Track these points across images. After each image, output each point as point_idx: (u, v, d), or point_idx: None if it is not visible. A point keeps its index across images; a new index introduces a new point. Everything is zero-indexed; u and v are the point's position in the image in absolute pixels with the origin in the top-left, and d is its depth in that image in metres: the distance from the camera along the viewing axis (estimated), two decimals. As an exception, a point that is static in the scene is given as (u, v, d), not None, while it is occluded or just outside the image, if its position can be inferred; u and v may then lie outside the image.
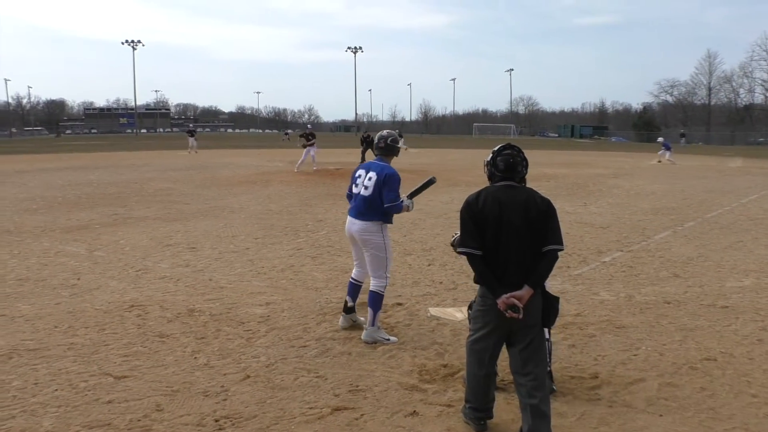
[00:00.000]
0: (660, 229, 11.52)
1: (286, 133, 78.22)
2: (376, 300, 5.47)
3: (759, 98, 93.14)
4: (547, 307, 3.72)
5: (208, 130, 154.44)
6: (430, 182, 5.77)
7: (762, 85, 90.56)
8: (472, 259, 3.72)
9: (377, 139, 5.71)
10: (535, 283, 3.63)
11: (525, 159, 3.88)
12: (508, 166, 3.79)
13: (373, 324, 5.45)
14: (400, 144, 5.73)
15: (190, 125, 53.72)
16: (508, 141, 4.30)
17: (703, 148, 59.31)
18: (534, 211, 3.64)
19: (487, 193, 3.74)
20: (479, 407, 3.90)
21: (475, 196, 3.80)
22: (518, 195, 3.71)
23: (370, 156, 6.39)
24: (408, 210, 5.51)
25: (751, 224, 12.15)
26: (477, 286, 3.86)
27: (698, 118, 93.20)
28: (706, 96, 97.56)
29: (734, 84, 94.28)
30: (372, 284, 5.51)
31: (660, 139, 39.36)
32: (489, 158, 3.92)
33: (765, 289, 7.29)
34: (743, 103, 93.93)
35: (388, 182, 5.38)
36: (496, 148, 3.93)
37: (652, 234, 10.95)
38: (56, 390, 4.38)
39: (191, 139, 40.08)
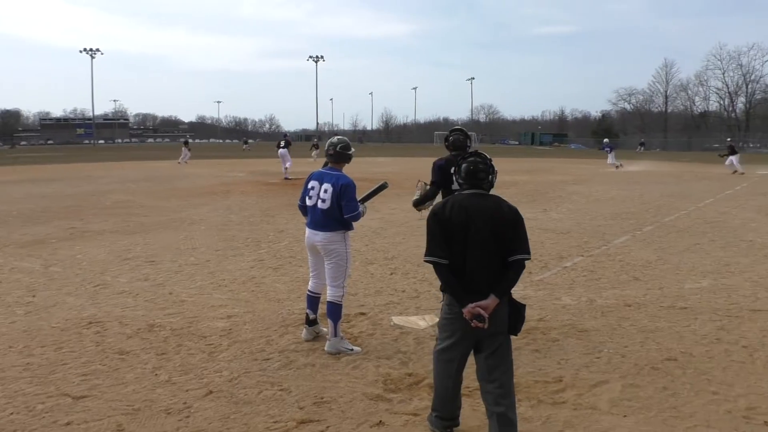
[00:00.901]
0: (619, 233, 11.73)
1: (246, 142, 77.77)
2: (336, 310, 5.42)
3: (714, 106, 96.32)
4: (514, 315, 3.70)
5: (167, 140, 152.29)
6: (382, 187, 5.79)
7: (716, 93, 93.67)
8: (438, 268, 3.69)
9: (327, 146, 5.59)
10: (502, 293, 3.63)
11: (491, 167, 3.83)
12: (468, 172, 3.76)
13: (335, 335, 5.40)
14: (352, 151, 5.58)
15: (187, 135, 53.89)
16: (475, 149, 4.31)
17: (660, 154, 60.66)
18: (501, 220, 3.63)
19: (454, 202, 3.72)
20: (446, 416, 3.89)
21: (442, 204, 3.78)
22: (485, 203, 3.70)
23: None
24: (362, 215, 5.49)
25: (708, 227, 12.45)
26: (441, 295, 3.85)
27: (655, 126, 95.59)
28: (663, 104, 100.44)
29: (690, 92, 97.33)
30: (329, 294, 5.46)
31: (605, 140, 40.30)
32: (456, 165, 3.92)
33: (722, 290, 7.47)
34: (699, 110, 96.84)
35: (345, 193, 5.32)
36: (463, 155, 3.94)
37: (611, 238, 11.13)
38: (12, 413, 4.22)
39: (185, 149, 40.25)
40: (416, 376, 4.85)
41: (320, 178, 5.47)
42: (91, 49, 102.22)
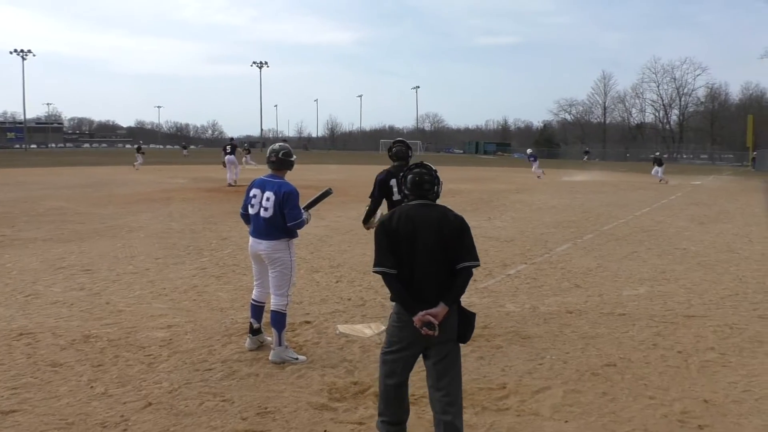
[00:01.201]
0: (561, 241, 11.98)
1: (185, 148, 76.96)
2: (280, 319, 5.34)
3: (650, 117, 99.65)
4: (463, 323, 3.73)
5: (104, 145, 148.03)
6: (326, 193, 5.75)
7: (652, 105, 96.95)
8: (387, 278, 3.69)
9: (269, 153, 5.49)
10: (451, 301, 3.64)
11: (437, 178, 3.85)
12: (414, 183, 3.79)
13: (279, 344, 5.31)
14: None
15: (140, 142, 54.66)
16: (420, 159, 4.34)
17: (599, 164, 62.43)
18: (447, 229, 3.65)
19: (401, 212, 3.75)
20: (392, 420, 3.83)
21: (389, 215, 3.82)
22: (431, 213, 3.72)
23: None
24: (307, 222, 5.43)
25: (645, 236, 12.85)
26: (389, 304, 3.83)
27: (595, 136, 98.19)
28: (601, 115, 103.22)
29: (627, 104, 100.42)
30: (273, 303, 5.38)
31: (529, 150, 41.48)
32: (401, 176, 3.91)
33: (658, 297, 7.70)
34: (635, 122, 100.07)
35: (287, 201, 5.25)
36: (409, 166, 3.92)
37: (553, 246, 11.36)
38: (-68, 429, 4.00)
39: (139, 155, 41.44)
40: (362, 384, 4.82)
41: (262, 186, 5.39)
42: (22, 50, 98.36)
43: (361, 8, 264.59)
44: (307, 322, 6.43)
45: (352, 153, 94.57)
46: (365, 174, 36.22)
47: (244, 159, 40.19)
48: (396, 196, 6.08)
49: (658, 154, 36.52)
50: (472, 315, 3.80)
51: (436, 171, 3.88)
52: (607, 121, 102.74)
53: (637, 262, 10.02)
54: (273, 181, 5.40)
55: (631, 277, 8.88)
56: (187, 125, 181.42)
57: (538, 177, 33.86)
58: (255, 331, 5.63)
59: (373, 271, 3.74)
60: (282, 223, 5.27)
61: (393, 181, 6.07)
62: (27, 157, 67.06)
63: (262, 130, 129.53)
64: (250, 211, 5.41)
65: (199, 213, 15.88)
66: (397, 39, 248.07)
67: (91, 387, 4.74)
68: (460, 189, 24.54)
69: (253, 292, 5.69)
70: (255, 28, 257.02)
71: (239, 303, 7.11)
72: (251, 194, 5.43)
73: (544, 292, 7.87)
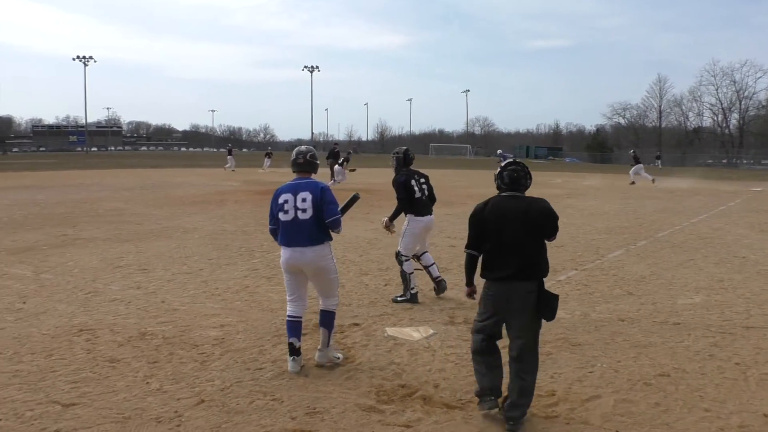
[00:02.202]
0: (613, 247, 11.75)
1: (230, 152, 76.85)
2: (331, 319, 5.30)
3: (707, 122, 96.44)
4: (543, 302, 4.25)
5: (160, 148, 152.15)
6: (354, 199, 5.72)
7: (710, 109, 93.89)
8: (468, 257, 4.48)
9: (295, 155, 5.28)
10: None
11: (528, 173, 4.49)
12: (512, 178, 4.41)
13: (327, 344, 5.31)
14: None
15: (229, 144, 55.40)
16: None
17: (654, 169, 60.93)
18: (533, 216, 4.28)
19: (493, 203, 4.40)
20: (486, 385, 4.31)
21: (482, 204, 4.45)
22: (518, 204, 4.34)
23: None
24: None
25: (701, 243, 12.49)
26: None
27: (649, 141, 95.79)
28: (656, 119, 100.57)
29: (684, 108, 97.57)
30: (324, 304, 5.32)
31: (499, 151, 41.18)
32: (497, 172, 4.51)
33: (715, 306, 7.48)
34: (692, 126, 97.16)
35: (325, 196, 5.07)
36: (503, 164, 4.56)
37: (605, 253, 11.16)
38: (0, 420, 4.18)
39: (229, 157, 42.84)
40: (409, 387, 4.83)
41: (293, 189, 5.13)
42: (84, 57, 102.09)
43: (411, 12, 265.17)
44: (356, 324, 6.49)
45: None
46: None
47: (266, 163, 41.21)
48: (417, 194, 7.24)
49: (632, 152, 35.93)
50: (554, 297, 4.31)
51: (527, 168, 4.53)
52: (663, 126, 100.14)
53: (693, 270, 9.75)
54: (303, 182, 5.19)
55: (686, 285, 8.65)
56: (239, 129, 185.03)
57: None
58: (297, 351, 5.18)
59: (465, 251, 4.50)
60: (322, 224, 5.07)
61: (412, 182, 7.21)
62: (87, 159, 69.46)
63: (312, 133, 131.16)
64: (284, 218, 5.10)
65: (251, 215, 16.17)
66: (447, 42, 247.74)
67: (147, 383, 4.88)
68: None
69: (288, 308, 5.33)
70: (306, 33, 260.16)
71: (289, 304, 7.21)
72: (281, 201, 5.13)
73: (595, 299, 7.75)
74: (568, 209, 18.74)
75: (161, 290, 7.91)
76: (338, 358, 5.37)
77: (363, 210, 15.57)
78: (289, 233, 5.12)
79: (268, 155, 44.61)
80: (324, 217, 5.06)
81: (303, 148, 5.37)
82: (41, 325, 6.33)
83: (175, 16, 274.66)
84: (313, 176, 5.35)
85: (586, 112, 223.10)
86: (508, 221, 4.25)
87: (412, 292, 7.37)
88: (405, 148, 7.66)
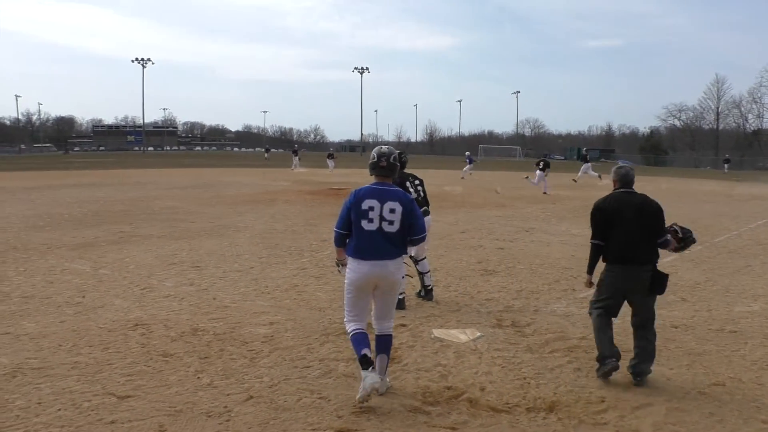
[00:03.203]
0: (667, 252, 11.41)
1: (267, 150, 74.15)
2: (389, 344, 4.80)
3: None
4: (656, 280, 5.05)
5: (214, 148, 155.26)
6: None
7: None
8: (595, 247, 5.18)
9: (377, 157, 4.68)
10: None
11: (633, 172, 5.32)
12: (622, 176, 5.23)
13: (385, 372, 4.78)
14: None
15: (295, 145, 56.84)
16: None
17: (711, 173, 59.18)
18: (647, 211, 5.07)
19: (612, 198, 5.17)
20: (606, 354, 5.01)
21: (602, 200, 5.19)
22: (634, 198, 5.14)
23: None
24: None
25: (760, 249, 12.08)
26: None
27: (706, 143, 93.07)
28: (714, 121, 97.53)
29: (743, 109, 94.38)
30: (384, 327, 4.80)
31: (467, 153, 41.74)
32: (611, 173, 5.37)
33: (773, 314, 7.22)
34: (752, 128, 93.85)
35: (415, 210, 4.62)
36: (614, 168, 5.39)
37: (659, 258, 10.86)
38: (59, 410, 4.35)
39: (295, 158, 44.06)
40: (455, 389, 4.82)
41: (379, 196, 4.56)
42: (142, 59, 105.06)
43: (461, 14, 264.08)
44: (403, 326, 6.50)
45: (451, 158, 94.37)
46: (463, 181, 36.04)
47: (331, 164, 41.67)
48: (413, 195, 6.96)
49: (585, 150, 37.37)
50: (665, 275, 5.09)
51: (633, 168, 5.42)
52: (720, 128, 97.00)
53: (751, 276, 9.43)
54: (391, 189, 4.62)
55: (743, 292, 8.37)
56: (290, 129, 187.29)
57: (462, 178, 35.61)
58: (372, 361, 4.57)
59: (591, 242, 5.19)
60: (405, 238, 4.63)
61: (407, 184, 7.24)
62: (144, 159, 71.40)
63: (362, 134, 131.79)
64: (367, 227, 4.53)
65: (300, 215, 16.36)
66: (497, 43, 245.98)
67: (198, 378, 5.00)
68: (561, 196, 23.95)
69: (351, 326, 4.72)
70: (356, 34, 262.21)
71: (337, 303, 7.28)
72: (364, 207, 4.55)
73: (647, 305, 7.56)
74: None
75: (213, 287, 8.08)
76: (390, 385, 4.86)
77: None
78: (370, 245, 4.55)
79: (331, 155, 45.16)
80: (411, 234, 4.63)
81: (385, 149, 4.77)
82: (99, 319, 6.55)
83: (229, 18, 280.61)
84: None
85: (640, 114, 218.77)
86: (626, 213, 5.01)
87: (399, 297, 6.82)
88: (399, 151, 7.42)
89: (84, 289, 7.89)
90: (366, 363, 4.49)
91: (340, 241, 4.79)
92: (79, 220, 14.62)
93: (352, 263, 4.63)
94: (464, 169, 38.75)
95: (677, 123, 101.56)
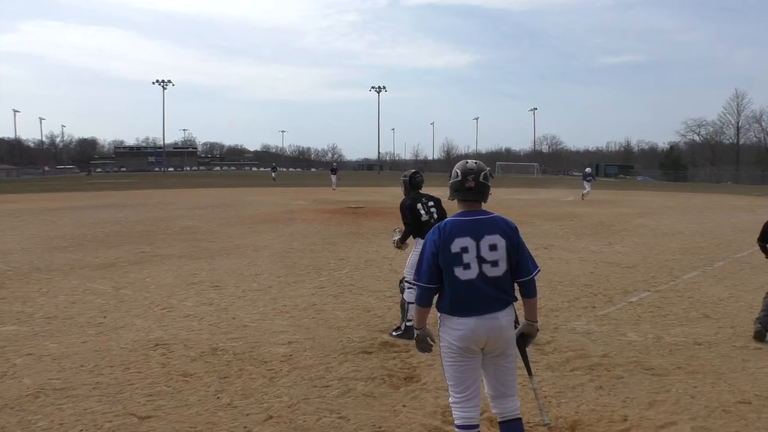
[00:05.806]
0: (688, 268, 11.33)
1: (274, 170, 63.27)
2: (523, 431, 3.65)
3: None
4: None
5: (233, 168, 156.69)
6: None
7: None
8: None
9: (461, 175, 3.49)
10: None
11: None
12: None
13: None
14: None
15: (334, 164, 55.04)
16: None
17: (732, 187, 58.51)
18: None
19: None
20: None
21: None
22: None
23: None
24: None
25: (783, 264, 11.88)
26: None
27: (726, 158, 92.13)
28: (734, 135, 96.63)
29: (763, 124, 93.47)
30: (509, 408, 3.61)
31: (588, 169, 42.37)
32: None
33: (799, 331, 7.09)
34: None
35: (522, 242, 3.51)
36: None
37: (680, 274, 10.77)
38: (81, 430, 4.38)
39: (333, 177, 43.97)
40: (475, 409, 4.77)
41: (474, 231, 3.42)
42: (163, 81, 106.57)
43: (478, 31, 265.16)
44: (422, 344, 6.46)
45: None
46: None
47: (334, 180, 41.97)
48: (424, 217, 6.84)
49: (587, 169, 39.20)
50: None
51: None
52: (741, 143, 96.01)
53: (776, 292, 9.27)
54: (486, 218, 3.49)
55: (768, 308, 8.23)
56: (308, 148, 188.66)
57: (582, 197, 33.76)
58: None
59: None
60: (512, 281, 3.51)
61: (419, 206, 6.87)
62: (165, 179, 72.15)
63: (379, 153, 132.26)
64: (464, 275, 3.39)
65: (318, 234, 16.41)
66: (515, 60, 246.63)
67: (218, 398, 5.01)
68: (579, 212, 23.81)
69: (458, 412, 3.57)
70: (373, 53, 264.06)
71: (355, 322, 7.28)
72: (455, 249, 3.40)
73: (669, 322, 7.48)
74: (640, 228, 18.18)
75: (232, 307, 8.12)
76: None
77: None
78: (471, 296, 3.40)
79: (334, 170, 45.42)
80: (518, 275, 3.50)
81: (472, 163, 3.56)
82: (120, 339, 6.61)
83: (249, 39, 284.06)
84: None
85: (659, 129, 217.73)
86: None
87: (408, 324, 6.56)
88: (413, 171, 7.30)
89: (105, 309, 7.96)
90: None
91: (427, 300, 3.51)
92: (101, 241, 14.79)
93: (448, 320, 3.47)
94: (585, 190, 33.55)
95: (697, 138, 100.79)
